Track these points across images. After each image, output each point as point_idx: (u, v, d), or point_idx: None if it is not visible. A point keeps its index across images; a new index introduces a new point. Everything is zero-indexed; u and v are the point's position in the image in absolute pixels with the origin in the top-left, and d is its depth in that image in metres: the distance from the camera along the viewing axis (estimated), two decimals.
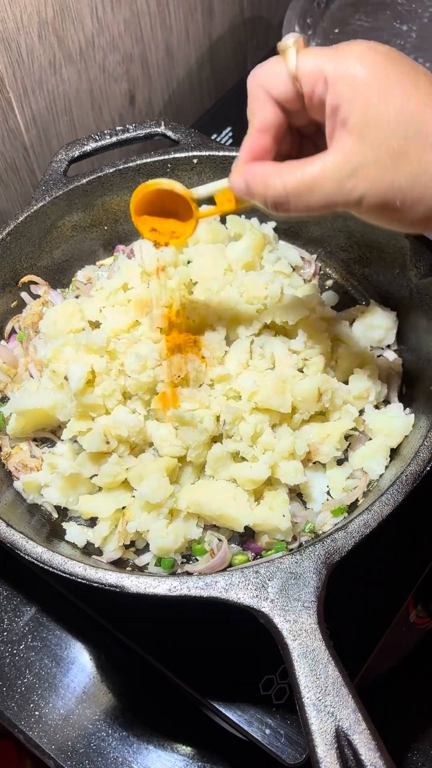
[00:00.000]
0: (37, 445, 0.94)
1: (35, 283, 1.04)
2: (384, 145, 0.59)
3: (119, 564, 0.86)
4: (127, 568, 0.85)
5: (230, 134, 1.40)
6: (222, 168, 1.05)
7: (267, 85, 0.67)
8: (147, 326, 0.93)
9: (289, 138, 0.73)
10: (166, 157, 1.05)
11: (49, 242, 1.05)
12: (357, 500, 0.87)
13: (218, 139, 1.39)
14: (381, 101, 0.59)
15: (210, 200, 0.76)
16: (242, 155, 0.70)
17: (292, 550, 0.84)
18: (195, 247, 1.03)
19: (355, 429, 0.91)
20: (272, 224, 1.09)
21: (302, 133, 0.73)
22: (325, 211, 0.65)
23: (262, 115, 0.68)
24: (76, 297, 1.04)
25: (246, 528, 0.83)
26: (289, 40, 0.64)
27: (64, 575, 0.72)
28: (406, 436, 0.87)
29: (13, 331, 1.03)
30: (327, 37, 1.32)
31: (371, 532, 0.73)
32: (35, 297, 1.04)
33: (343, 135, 0.62)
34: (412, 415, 0.88)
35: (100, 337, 0.89)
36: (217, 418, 0.87)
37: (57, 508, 0.90)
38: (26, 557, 0.73)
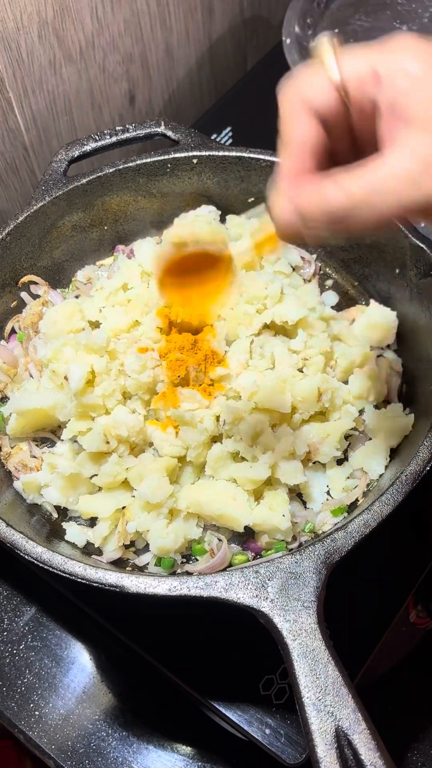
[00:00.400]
0: (37, 445, 0.94)
1: (35, 283, 1.04)
2: None
3: (119, 564, 0.86)
4: (127, 568, 0.85)
5: (230, 134, 1.40)
6: (222, 168, 1.05)
7: (308, 97, 0.58)
8: (147, 326, 0.93)
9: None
10: (166, 157, 1.05)
11: (49, 242, 1.05)
12: (357, 500, 0.87)
13: (218, 139, 1.39)
14: None
15: None
16: (283, 181, 0.58)
17: (292, 550, 0.84)
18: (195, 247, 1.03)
19: (355, 429, 0.91)
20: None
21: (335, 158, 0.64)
22: (396, 221, 0.57)
23: (302, 132, 0.58)
24: (76, 297, 1.04)
25: (246, 528, 0.84)
26: (325, 44, 0.57)
27: (64, 575, 0.72)
28: (406, 436, 0.87)
29: (13, 331, 1.03)
30: None
31: (371, 532, 0.73)
32: (35, 297, 1.04)
33: (407, 130, 0.55)
34: (412, 415, 0.88)
35: (100, 337, 0.89)
36: (217, 418, 0.87)
37: (57, 508, 0.90)
38: (26, 557, 0.73)
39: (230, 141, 1.39)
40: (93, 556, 0.84)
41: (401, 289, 0.97)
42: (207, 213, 1.08)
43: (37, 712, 0.92)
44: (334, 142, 0.61)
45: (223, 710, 0.83)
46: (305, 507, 0.89)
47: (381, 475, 0.87)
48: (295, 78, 0.59)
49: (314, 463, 0.90)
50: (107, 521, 0.85)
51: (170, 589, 0.69)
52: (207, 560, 0.84)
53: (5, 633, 0.98)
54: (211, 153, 1.04)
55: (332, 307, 1.02)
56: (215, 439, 0.88)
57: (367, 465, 0.88)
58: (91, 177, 1.03)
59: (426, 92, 0.54)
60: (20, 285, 1.03)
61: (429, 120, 0.54)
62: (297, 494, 0.89)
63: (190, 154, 1.05)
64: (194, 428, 0.85)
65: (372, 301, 1.02)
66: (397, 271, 0.97)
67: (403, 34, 0.57)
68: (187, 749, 0.92)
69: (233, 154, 1.04)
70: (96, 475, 0.87)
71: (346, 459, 0.91)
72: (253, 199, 1.09)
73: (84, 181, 1.03)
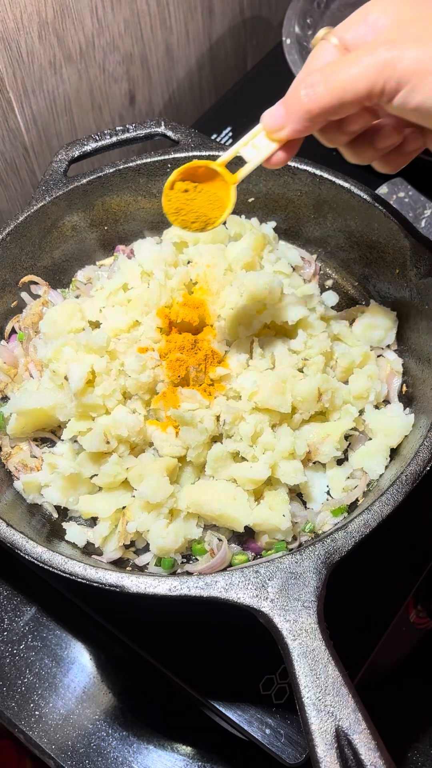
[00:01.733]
0: (37, 445, 0.94)
1: (35, 283, 1.04)
2: (416, 30, 0.62)
3: (119, 564, 0.86)
4: (127, 568, 0.85)
5: (230, 134, 1.40)
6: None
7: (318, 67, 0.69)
8: (147, 326, 0.93)
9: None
10: (166, 157, 1.05)
11: (49, 242, 1.05)
12: (357, 500, 0.87)
13: (218, 139, 1.39)
14: (411, 9, 0.64)
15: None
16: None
17: (292, 549, 0.84)
18: (195, 247, 1.03)
19: (355, 429, 0.91)
20: (272, 224, 1.09)
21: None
22: (360, 94, 0.64)
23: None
24: (76, 297, 1.04)
25: (246, 528, 0.84)
26: (321, 32, 0.69)
27: (64, 575, 0.72)
28: (406, 436, 0.87)
29: (13, 331, 1.03)
30: None
31: (371, 532, 0.73)
32: (35, 297, 1.04)
33: (379, 31, 0.65)
34: (412, 415, 0.89)
35: (100, 337, 0.89)
36: (217, 418, 0.87)
37: (57, 508, 0.90)
38: (26, 557, 0.73)
39: (230, 141, 1.39)
40: (93, 556, 0.84)
41: (401, 289, 0.97)
42: None
43: (37, 712, 0.92)
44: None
45: (223, 710, 0.83)
46: (305, 507, 0.89)
47: (381, 475, 0.87)
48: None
49: (314, 463, 0.90)
50: (107, 521, 0.85)
51: (170, 589, 0.69)
52: (207, 560, 0.84)
53: (5, 633, 0.98)
54: (211, 153, 1.04)
55: (332, 307, 1.02)
56: (215, 439, 0.88)
57: (367, 465, 0.88)
58: (91, 177, 1.03)
59: (397, 12, 0.65)
60: (20, 285, 1.03)
61: (398, 24, 0.64)
62: (297, 494, 0.89)
63: (191, 154, 1.04)
64: (194, 428, 0.85)
65: (372, 301, 1.02)
66: (397, 271, 0.97)
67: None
68: (187, 749, 0.92)
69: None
70: (96, 475, 0.87)
71: (346, 459, 0.91)
72: (253, 199, 1.09)
73: (84, 181, 1.03)
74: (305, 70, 0.70)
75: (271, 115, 0.71)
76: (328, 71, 0.65)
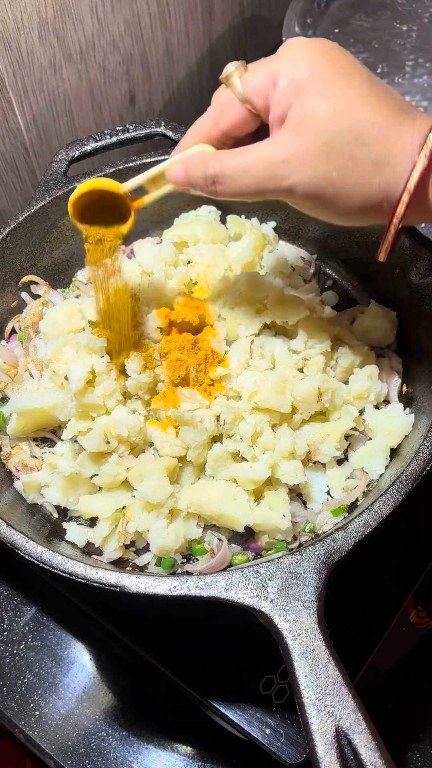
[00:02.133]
0: (37, 445, 0.94)
1: (35, 283, 1.04)
2: (318, 139, 0.64)
3: (119, 564, 0.86)
4: (127, 568, 0.85)
5: None
6: None
7: (219, 121, 0.73)
8: (147, 326, 0.93)
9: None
10: (166, 157, 1.04)
11: (49, 242, 1.05)
12: (357, 500, 0.87)
13: None
14: (317, 98, 0.64)
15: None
16: (187, 139, 0.75)
17: (292, 549, 0.84)
18: (195, 247, 1.03)
19: (355, 429, 0.91)
20: (272, 224, 1.09)
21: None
22: (257, 196, 0.69)
23: (202, 129, 0.75)
24: (76, 297, 1.04)
25: (246, 528, 0.84)
26: (230, 68, 0.71)
27: (64, 575, 0.72)
28: (406, 436, 0.87)
29: (13, 331, 1.03)
30: (327, 37, 1.32)
31: (371, 532, 0.73)
32: (35, 297, 1.05)
33: (281, 128, 0.66)
34: (412, 415, 0.89)
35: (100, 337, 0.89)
36: (217, 418, 0.87)
37: (57, 508, 0.90)
38: (26, 557, 0.73)
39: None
40: (93, 556, 0.84)
41: (401, 289, 0.97)
42: (207, 213, 1.08)
43: (37, 712, 0.92)
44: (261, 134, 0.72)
45: (223, 710, 0.83)
46: (305, 507, 0.89)
47: (381, 475, 0.87)
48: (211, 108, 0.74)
49: (314, 463, 0.90)
50: (107, 521, 0.85)
51: (170, 589, 0.69)
52: (207, 560, 0.84)
53: (5, 633, 0.98)
54: None
55: (332, 307, 1.02)
56: (215, 439, 0.88)
57: (367, 465, 0.88)
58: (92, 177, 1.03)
59: (303, 96, 0.64)
60: (20, 285, 1.03)
61: (300, 122, 0.64)
62: (297, 494, 0.89)
63: None
64: (194, 428, 0.85)
65: (372, 301, 1.02)
66: (397, 271, 0.97)
67: (296, 39, 0.67)
68: (187, 749, 0.92)
69: None
70: (96, 475, 0.87)
71: (346, 459, 0.91)
72: None
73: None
74: (212, 118, 0.74)
75: (175, 174, 0.75)
76: (229, 174, 0.69)
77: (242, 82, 0.70)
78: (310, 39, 0.67)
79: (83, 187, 0.79)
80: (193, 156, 0.73)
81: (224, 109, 0.72)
